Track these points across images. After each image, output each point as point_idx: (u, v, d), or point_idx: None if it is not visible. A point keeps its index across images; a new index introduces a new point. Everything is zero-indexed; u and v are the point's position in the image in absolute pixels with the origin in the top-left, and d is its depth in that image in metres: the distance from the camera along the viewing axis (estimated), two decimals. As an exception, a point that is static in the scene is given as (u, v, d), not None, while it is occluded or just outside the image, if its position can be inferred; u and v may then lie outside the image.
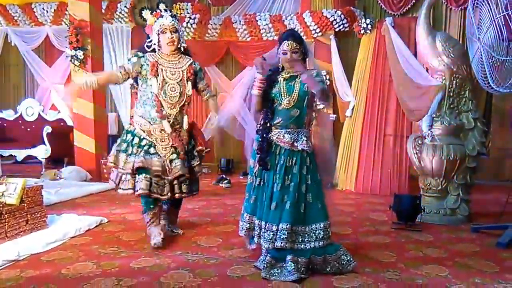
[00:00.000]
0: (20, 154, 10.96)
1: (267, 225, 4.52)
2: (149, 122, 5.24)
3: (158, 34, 5.23)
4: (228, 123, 5.75)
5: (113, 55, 11.54)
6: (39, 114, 11.77)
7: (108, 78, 5.60)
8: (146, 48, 5.36)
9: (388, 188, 8.37)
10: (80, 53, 9.45)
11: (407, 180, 8.42)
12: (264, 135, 4.62)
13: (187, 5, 10.82)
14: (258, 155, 4.62)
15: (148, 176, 5.10)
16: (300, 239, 4.49)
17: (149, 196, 5.20)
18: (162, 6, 5.32)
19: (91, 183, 9.09)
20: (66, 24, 10.45)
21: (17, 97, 12.82)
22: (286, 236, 4.40)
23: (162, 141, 5.24)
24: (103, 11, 10.59)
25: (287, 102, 4.56)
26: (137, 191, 5.10)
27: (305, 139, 4.60)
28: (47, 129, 10.62)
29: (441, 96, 6.45)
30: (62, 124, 11.47)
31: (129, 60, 5.39)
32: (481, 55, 5.55)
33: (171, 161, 5.21)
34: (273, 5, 10.90)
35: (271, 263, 4.42)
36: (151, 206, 5.33)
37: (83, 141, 9.71)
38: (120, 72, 5.24)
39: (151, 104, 5.22)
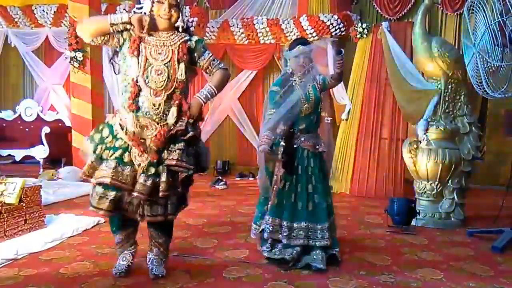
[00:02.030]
0: (19, 154, 11.00)
1: (300, 225, 4.68)
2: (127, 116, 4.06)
3: (153, 1, 4.04)
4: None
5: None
6: (38, 115, 11.79)
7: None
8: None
9: (383, 191, 8.41)
10: (79, 55, 9.50)
11: (402, 183, 8.46)
12: (290, 141, 4.73)
13: (185, 8, 10.84)
14: (284, 161, 4.69)
15: (114, 193, 3.98)
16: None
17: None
18: None
19: (88, 183, 9.04)
20: (66, 26, 10.51)
21: (16, 97, 12.86)
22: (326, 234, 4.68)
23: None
24: (102, 13, 10.61)
25: (306, 108, 4.76)
26: (95, 207, 4.10)
27: (322, 141, 4.89)
28: (46, 129, 10.66)
29: (437, 100, 6.48)
30: (60, 124, 11.50)
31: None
32: (477, 60, 5.60)
33: (146, 174, 3.99)
34: (271, 9, 10.96)
35: (298, 257, 4.66)
36: (121, 225, 4.44)
37: (81, 142, 9.64)
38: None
39: (130, 90, 4.03)
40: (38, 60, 12.45)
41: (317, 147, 4.82)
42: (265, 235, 4.78)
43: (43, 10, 11.63)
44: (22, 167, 10.93)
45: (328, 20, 9.72)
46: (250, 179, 10.39)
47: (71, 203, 7.45)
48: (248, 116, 11.27)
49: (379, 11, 10.49)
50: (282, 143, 4.72)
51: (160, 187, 3.98)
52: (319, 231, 4.68)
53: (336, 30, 9.78)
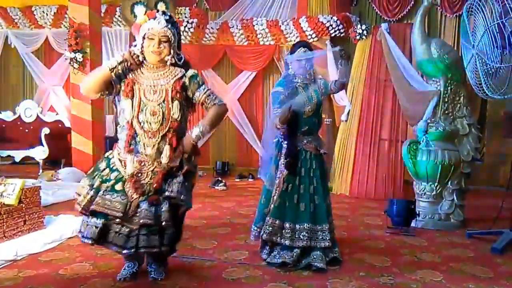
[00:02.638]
0: (18, 155, 10.96)
1: (302, 226, 4.70)
2: (124, 158, 4.05)
3: (144, 38, 4.02)
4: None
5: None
6: (38, 116, 11.75)
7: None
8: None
9: (383, 192, 8.42)
10: (79, 56, 9.50)
11: (402, 184, 8.46)
12: (293, 142, 4.75)
13: (185, 9, 10.87)
14: (288, 162, 4.71)
15: (102, 221, 3.95)
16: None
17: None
18: (161, 6, 4.16)
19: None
20: (66, 27, 10.52)
21: (16, 98, 12.85)
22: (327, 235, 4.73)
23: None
24: (102, 14, 10.63)
25: (309, 110, 4.79)
26: (84, 238, 4.02)
27: (323, 143, 4.96)
28: (45, 130, 10.63)
29: (436, 101, 6.49)
30: (60, 125, 11.48)
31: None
32: (476, 62, 5.60)
33: (138, 205, 3.98)
34: (270, 10, 10.99)
35: (298, 259, 4.68)
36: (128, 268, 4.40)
37: (81, 143, 9.74)
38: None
39: (126, 132, 4.04)
40: (38, 61, 12.47)
41: (318, 148, 4.85)
42: (264, 236, 4.76)
43: (43, 11, 11.67)
44: (21, 168, 10.93)
45: (327, 22, 9.75)
46: (250, 180, 10.39)
47: (71, 204, 7.31)
48: (247, 117, 11.29)
49: (378, 12, 10.53)
50: (285, 145, 4.74)
51: (162, 216, 3.96)
52: (319, 232, 4.71)
53: (335, 31, 9.81)
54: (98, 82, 3.99)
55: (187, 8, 10.89)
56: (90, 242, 3.99)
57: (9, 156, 11.09)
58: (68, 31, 9.73)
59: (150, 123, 3.98)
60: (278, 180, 4.78)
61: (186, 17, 10.84)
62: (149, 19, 4.03)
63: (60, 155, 10.87)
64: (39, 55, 12.57)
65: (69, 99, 10.79)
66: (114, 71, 3.98)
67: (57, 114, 11.91)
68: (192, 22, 10.64)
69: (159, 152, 4.01)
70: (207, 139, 11.11)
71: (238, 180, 10.38)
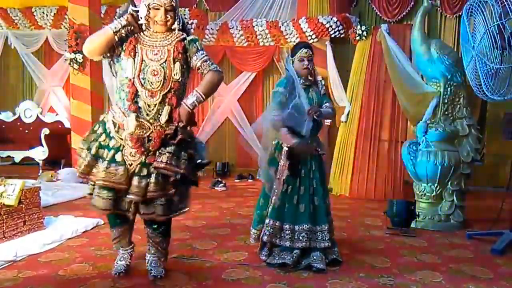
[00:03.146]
0: (18, 155, 10.96)
1: (302, 227, 4.71)
2: (123, 113, 4.08)
3: (149, 8, 4.00)
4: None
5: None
6: (37, 116, 11.77)
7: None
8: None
9: (382, 193, 8.41)
10: (79, 57, 9.50)
11: (402, 185, 8.45)
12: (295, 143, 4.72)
13: (184, 10, 10.86)
14: (290, 163, 4.70)
15: (106, 193, 4.04)
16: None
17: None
18: None
19: (87, 185, 9.02)
20: (66, 28, 10.50)
21: (15, 99, 12.84)
22: (327, 236, 4.75)
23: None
24: (102, 15, 10.63)
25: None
26: (99, 209, 4.12)
27: (322, 144, 4.99)
28: (45, 131, 10.63)
29: (436, 102, 6.49)
30: (60, 126, 11.48)
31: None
32: (475, 63, 5.60)
33: (139, 175, 4.03)
34: (270, 11, 10.95)
35: (298, 259, 4.69)
36: (118, 221, 4.47)
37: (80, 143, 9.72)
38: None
39: (127, 90, 4.03)
40: (37, 62, 12.46)
41: (318, 149, 4.87)
42: (264, 238, 4.77)
43: (43, 12, 11.67)
44: (21, 168, 10.92)
45: (327, 22, 9.73)
46: (250, 180, 10.38)
47: (70, 205, 7.45)
48: (247, 118, 11.25)
49: (378, 13, 10.49)
50: (285, 147, 4.73)
51: (148, 187, 4.01)
52: (319, 233, 4.73)
53: (335, 32, 9.79)
54: (102, 44, 4.00)
55: (187, 9, 10.89)
56: (108, 212, 4.19)
57: (9, 156, 11.10)
58: (68, 32, 9.74)
59: (151, 83, 4.01)
60: (277, 181, 4.77)
61: (186, 17, 10.84)
62: None
63: (60, 156, 10.88)
64: (39, 55, 12.54)
65: (69, 100, 10.78)
66: (118, 34, 3.99)
67: (57, 114, 11.91)
68: (192, 23, 10.63)
69: (157, 112, 4.05)
70: (207, 140, 11.09)
71: (237, 180, 10.37)
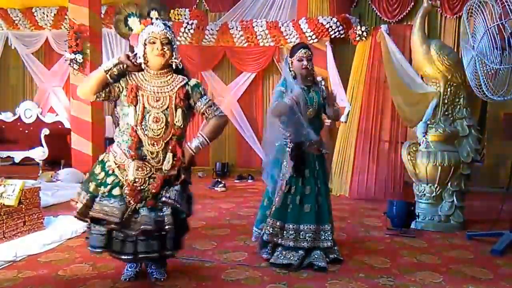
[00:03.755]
0: (18, 155, 10.99)
1: (308, 227, 4.73)
2: (125, 154, 4.02)
3: (145, 44, 4.02)
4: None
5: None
6: (37, 116, 11.80)
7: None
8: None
9: (382, 194, 8.41)
10: (79, 57, 9.52)
11: (402, 186, 8.45)
12: (298, 146, 4.74)
13: (184, 10, 10.89)
14: (295, 165, 4.72)
15: (105, 228, 4.00)
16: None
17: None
18: (154, 14, 4.30)
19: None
20: (66, 28, 10.53)
21: (16, 99, 12.87)
22: (330, 236, 4.81)
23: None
24: (102, 15, 10.65)
25: (310, 112, 4.81)
26: (92, 246, 4.07)
27: (324, 143, 4.98)
28: (45, 131, 10.65)
29: (436, 103, 6.49)
30: (60, 126, 11.52)
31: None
32: (475, 63, 5.60)
33: (137, 210, 4.00)
34: (270, 12, 10.99)
35: (302, 259, 4.70)
36: (130, 269, 4.40)
37: (80, 144, 9.80)
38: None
39: (130, 138, 4.01)
40: (38, 62, 12.51)
41: (320, 149, 4.89)
42: (264, 237, 4.78)
43: (43, 13, 11.72)
44: (21, 168, 10.90)
45: (327, 23, 9.76)
46: (249, 181, 10.38)
47: (70, 205, 7.36)
48: (247, 118, 11.28)
49: (378, 13, 10.51)
50: (288, 148, 4.76)
51: (166, 220, 3.97)
52: (322, 232, 4.77)
53: (335, 32, 9.82)
54: (94, 84, 3.96)
55: (187, 10, 10.91)
56: (99, 251, 4.04)
57: (8, 156, 11.12)
58: (68, 32, 9.75)
59: (153, 130, 3.97)
60: (280, 182, 4.78)
61: (186, 18, 10.86)
62: (145, 27, 4.07)
63: (60, 156, 10.87)
64: (39, 56, 12.60)
65: (69, 100, 10.79)
66: (110, 73, 3.95)
67: (57, 115, 11.93)
68: (192, 24, 10.64)
69: (160, 160, 4.03)
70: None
71: (237, 181, 10.36)
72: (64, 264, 4.72)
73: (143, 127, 3.97)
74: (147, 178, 4.01)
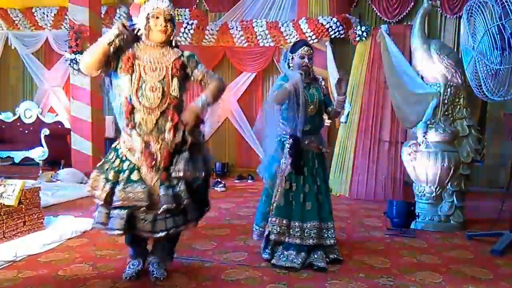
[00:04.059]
0: (18, 155, 11.00)
1: (312, 224, 4.73)
2: (129, 135, 4.10)
3: (148, 18, 4.05)
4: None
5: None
6: (37, 116, 11.81)
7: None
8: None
9: (382, 194, 8.41)
10: (79, 57, 9.49)
11: (402, 186, 8.45)
12: (298, 141, 4.73)
13: (184, 10, 10.88)
14: (293, 161, 4.70)
15: (126, 211, 3.96)
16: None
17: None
18: None
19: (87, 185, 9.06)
20: (66, 29, 10.53)
21: (15, 99, 12.87)
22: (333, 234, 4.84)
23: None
24: (102, 15, 10.66)
25: (311, 109, 4.81)
26: (112, 230, 4.01)
27: (325, 142, 5.00)
28: (45, 131, 10.65)
29: (436, 103, 6.48)
30: (59, 126, 11.52)
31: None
32: (475, 64, 5.60)
33: (164, 185, 4.05)
34: (270, 12, 10.97)
35: (304, 258, 4.70)
36: (136, 239, 4.41)
37: (80, 144, 9.81)
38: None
39: (124, 109, 4.07)
40: (38, 62, 12.50)
41: (320, 147, 4.90)
42: (272, 236, 4.75)
43: (43, 13, 11.71)
44: (21, 168, 10.91)
45: (327, 23, 9.75)
46: (249, 181, 10.39)
47: (70, 205, 7.45)
48: (247, 118, 11.27)
49: (378, 13, 10.50)
50: (288, 145, 4.75)
51: (182, 196, 4.05)
52: (324, 230, 4.79)
53: (335, 32, 9.81)
54: (98, 57, 3.96)
55: (187, 10, 10.91)
56: (119, 232, 4.01)
57: (8, 156, 11.12)
58: (68, 32, 9.75)
59: (149, 99, 4.01)
60: (279, 179, 4.78)
61: (186, 18, 10.85)
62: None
63: (60, 156, 10.81)
64: (39, 56, 12.59)
65: (69, 100, 10.79)
66: (112, 45, 3.96)
67: (56, 115, 11.91)
68: (192, 24, 10.64)
69: (159, 129, 4.05)
70: (207, 140, 11.08)
71: (237, 181, 10.38)
72: (64, 264, 4.71)
73: (138, 96, 4.01)
74: (156, 152, 4.06)
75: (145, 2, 4.08)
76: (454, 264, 4.96)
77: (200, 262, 4.84)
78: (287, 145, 4.75)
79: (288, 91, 4.63)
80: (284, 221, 4.73)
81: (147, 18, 4.05)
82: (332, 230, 4.81)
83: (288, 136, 4.78)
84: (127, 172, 4.04)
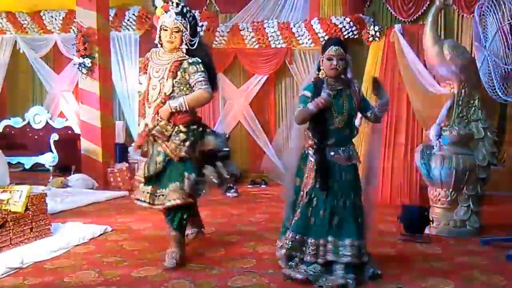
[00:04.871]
0: (28, 161, 10.94)
1: (326, 240, 4.44)
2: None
3: (160, 29, 4.94)
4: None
5: (121, 63, 11.54)
6: (47, 122, 11.73)
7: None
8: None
9: (398, 198, 8.25)
10: (87, 61, 9.50)
11: (418, 190, 8.29)
12: (323, 157, 4.47)
13: (195, 12, 10.82)
14: (319, 178, 4.43)
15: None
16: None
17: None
18: None
19: (97, 191, 9.15)
20: (74, 32, 10.47)
21: (25, 104, 12.80)
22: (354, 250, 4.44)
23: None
24: (111, 18, 10.67)
25: (339, 121, 4.47)
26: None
27: (356, 153, 4.66)
28: (54, 136, 10.57)
29: (450, 104, 6.38)
30: (69, 131, 11.44)
31: None
32: (488, 63, 5.48)
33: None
34: (281, 13, 10.83)
35: (320, 273, 4.44)
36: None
37: (90, 149, 9.79)
38: None
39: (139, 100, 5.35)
40: (46, 67, 12.39)
41: (350, 159, 4.58)
42: (283, 251, 4.58)
43: (52, 16, 11.62)
44: (32, 174, 10.87)
45: (340, 23, 9.68)
46: (263, 186, 10.27)
47: (79, 211, 7.46)
48: (260, 122, 11.16)
49: (393, 12, 10.38)
50: (311, 158, 4.51)
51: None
52: (341, 247, 4.43)
53: (348, 33, 9.73)
54: None
55: (197, 11, 10.83)
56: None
57: (19, 162, 11.06)
58: (76, 36, 9.72)
59: (152, 96, 4.94)
60: (301, 193, 4.57)
61: (199, 24, 10.80)
62: (164, 12, 4.90)
63: (70, 162, 10.79)
64: (48, 60, 12.50)
65: (78, 105, 10.75)
66: None
67: (66, 120, 11.84)
68: (202, 25, 10.57)
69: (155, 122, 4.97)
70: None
71: (250, 186, 10.26)
72: (70, 271, 4.73)
73: (148, 92, 4.99)
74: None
75: (161, 13, 4.93)
76: (467, 270, 4.86)
77: (207, 269, 4.81)
78: (311, 159, 4.51)
79: (309, 113, 4.36)
80: (297, 237, 4.47)
81: (160, 30, 4.94)
82: (354, 247, 4.41)
83: (313, 151, 4.52)
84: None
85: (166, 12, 4.91)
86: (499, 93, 5.36)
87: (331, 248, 4.42)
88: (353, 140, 4.70)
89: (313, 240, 4.45)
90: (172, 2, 4.92)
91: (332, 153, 4.49)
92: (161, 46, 5.01)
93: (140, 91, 5.33)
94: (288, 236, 4.51)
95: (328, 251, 4.42)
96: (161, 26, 4.92)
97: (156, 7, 4.98)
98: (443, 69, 6.45)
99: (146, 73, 5.04)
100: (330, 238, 4.42)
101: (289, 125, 10.54)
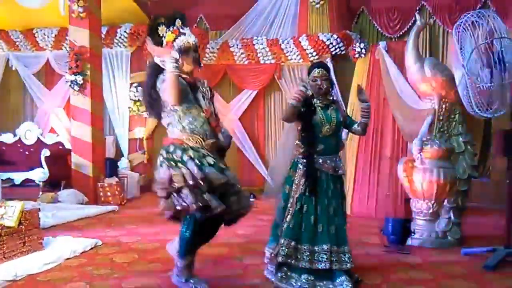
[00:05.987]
0: (18, 177, 10.92)
1: (321, 247, 4.61)
2: None
3: (182, 51, 4.49)
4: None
5: (112, 79, 11.71)
6: (38, 138, 11.74)
7: None
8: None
9: (383, 211, 8.33)
10: (79, 78, 9.54)
11: (403, 203, 8.39)
12: (311, 163, 4.70)
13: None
14: (307, 183, 4.65)
15: None
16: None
17: None
18: (178, 23, 4.68)
19: (88, 205, 9.17)
20: (66, 49, 10.54)
21: (16, 120, 12.77)
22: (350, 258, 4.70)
23: None
24: (103, 35, 10.77)
25: (327, 130, 4.72)
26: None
27: (342, 164, 4.88)
28: (45, 152, 10.58)
29: (431, 119, 6.52)
30: (60, 147, 11.48)
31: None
32: (466, 81, 5.64)
33: None
34: (270, 30, 11.06)
35: (313, 283, 4.59)
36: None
37: (81, 164, 9.80)
38: None
39: None
40: (38, 83, 12.48)
41: (337, 169, 4.79)
42: (279, 258, 4.63)
43: (44, 34, 11.79)
44: (21, 190, 10.75)
45: (327, 40, 9.85)
46: (251, 199, 10.28)
47: (70, 226, 7.48)
48: (249, 136, 11.32)
49: (379, 29, 10.56)
50: (300, 165, 4.72)
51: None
52: (341, 254, 4.67)
53: (336, 49, 9.90)
54: None
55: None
56: None
57: (9, 178, 11.04)
58: (69, 54, 9.79)
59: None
60: (291, 200, 4.73)
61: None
62: (176, 35, 4.57)
63: (60, 177, 10.78)
64: (40, 77, 12.58)
65: (70, 121, 10.80)
66: None
67: (57, 135, 11.89)
68: (192, 42, 10.70)
69: None
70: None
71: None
72: (62, 283, 4.77)
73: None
74: None
75: (173, 38, 4.57)
76: (446, 280, 4.99)
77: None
78: (301, 167, 4.71)
79: (291, 105, 4.61)
80: (292, 243, 4.61)
81: (180, 52, 4.51)
82: (349, 254, 4.69)
83: (301, 156, 4.74)
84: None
85: (179, 35, 4.57)
86: (476, 109, 5.51)
87: (327, 255, 4.58)
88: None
89: (306, 246, 4.61)
90: (177, 27, 4.64)
91: (320, 161, 4.70)
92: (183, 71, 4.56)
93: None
94: (284, 243, 4.62)
95: (324, 258, 4.58)
96: (182, 47, 4.52)
97: (163, 36, 4.73)
98: (424, 86, 6.61)
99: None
100: (325, 246, 4.60)
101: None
